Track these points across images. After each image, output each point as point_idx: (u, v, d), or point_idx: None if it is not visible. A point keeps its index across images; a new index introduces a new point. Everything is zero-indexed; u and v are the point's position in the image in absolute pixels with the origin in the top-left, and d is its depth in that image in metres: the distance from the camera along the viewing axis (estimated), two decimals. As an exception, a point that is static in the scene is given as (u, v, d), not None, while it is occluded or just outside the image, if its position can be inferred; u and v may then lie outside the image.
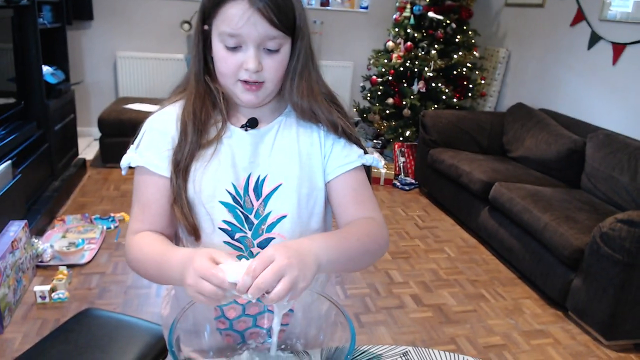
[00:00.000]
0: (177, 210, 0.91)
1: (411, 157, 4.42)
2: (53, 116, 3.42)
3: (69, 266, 2.63)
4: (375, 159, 1.02)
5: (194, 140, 0.91)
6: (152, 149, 0.93)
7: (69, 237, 2.90)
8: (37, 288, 2.36)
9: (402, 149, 4.43)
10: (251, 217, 0.94)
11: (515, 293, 2.84)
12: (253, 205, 0.94)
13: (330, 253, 0.81)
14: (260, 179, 0.94)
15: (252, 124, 0.95)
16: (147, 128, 0.95)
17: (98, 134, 4.10)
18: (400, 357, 0.93)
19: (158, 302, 2.42)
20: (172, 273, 0.80)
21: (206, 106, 0.93)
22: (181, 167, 0.90)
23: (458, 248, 3.32)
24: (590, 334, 2.48)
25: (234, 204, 0.93)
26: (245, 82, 0.88)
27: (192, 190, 0.92)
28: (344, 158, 0.98)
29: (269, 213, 0.94)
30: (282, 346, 0.89)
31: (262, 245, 0.95)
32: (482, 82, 4.59)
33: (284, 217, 0.94)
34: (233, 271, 0.72)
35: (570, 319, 2.60)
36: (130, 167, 0.95)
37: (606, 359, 2.32)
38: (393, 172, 4.37)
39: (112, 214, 3.28)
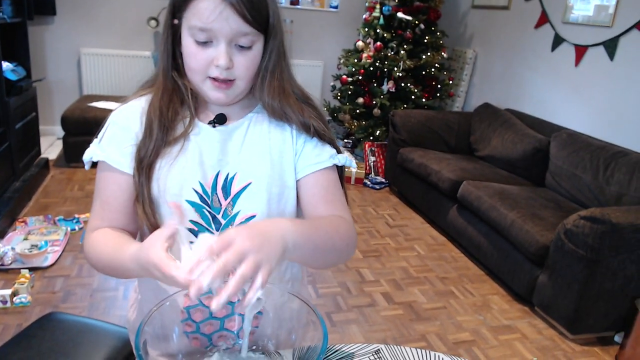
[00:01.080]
0: (139, 209, 0.88)
1: (381, 157, 4.45)
2: (13, 114, 3.30)
3: (32, 269, 2.54)
4: (348, 159, 1.00)
5: (159, 137, 0.88)
6: (114, 144, 0.90)
7: (31, 239, 2.81)
8: (-2, 292, 2.27)
9: (373, 148, 4.45)
10: (219, 216, 0.92)
11: (483, 289, 2.89)
12: (221, 205, 0.92)
13: (296, 237, 0.75)
14: (229, 177, 0.92)
15: (220, 120, 0.93)
16: (111, 122, 0.92)
17: (61, 133, 3.98)
18: (373, 354, 0.92)
19: (125, 305, 2.36)
20: (128, 268, 0.78)
21: (173, 102, 0.91)
22: (144, 164, 0.88)
23: (428, 246, 3.36)
24: (556, 329, 2.54)
25: (201, 203, 0.91)
26: (215, 79, 0.86)
27: (156, 189, 0.89)
28: (315, 157, 0.96)
29: (237, 213, 0.92)
30: (253, 347, 0.87)
31: None
32: (450, 82, 4.66)
33: (253, 216, 0.92)
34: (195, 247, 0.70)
35: (536, 314, 2.67)
36: (93, 163, 0.92)
37: (571, 352, 2.38)
38: (364, 171, 4.39)
39: (76, 215, 3.19)
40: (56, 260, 2.69)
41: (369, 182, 4.34)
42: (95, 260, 0.88)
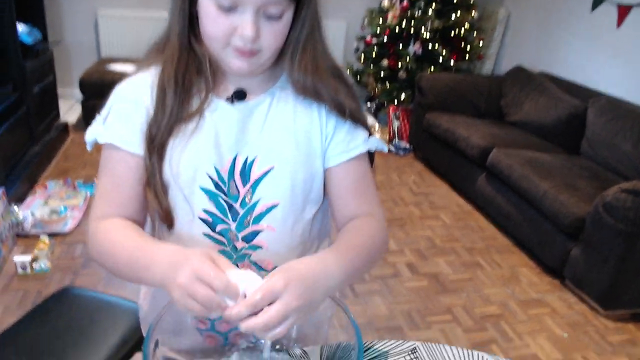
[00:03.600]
0: (150, 193, 0.78)
1: (406, 121, 4.29)
2: (30, 78, 3.23)
3: (51, 235, 2.52)
4: (380, 142, 0.89)
5: (174, 111, 0.77)
6: (122, 121, 0.79)
7: (50, 205, 2.78)
8: (18, 258, 2.25)
9: (397, 113, 4.30)
10: (236, 205, 0.82)
11: (511, 261, 2.79)
12: (239, 192, 0.81)
13: (341, 279, 0.71)
14: (249, 160, 0.81)
15: (239, 95, 0.81)
16: (117, 97, 0.81)
17: (80, 96, 3.92)
18: (409, 354, 0.84)
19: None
20: (153, 272, 0.68)
21: (190, 71, 0.79)
22: (156, 144, 0.77)
23: (453, 215, 3.25)
24: (587, 304, 2.44)
25: (216, 190, 0.80)
26: (238, 49, 0.74)
27: (168, 172, 0.79)
28: (348, 143, 0.85)
29: (257, 201, 0.82)
30: (277, 346, 0.79)
31: (248, 239, 0.83)
32: (481, 43, 4.43)
33: (275, 206, 0.82)
34: (237, 279, 0.62)
35: (567, 288, 2.56)
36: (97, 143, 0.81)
37: (603, 329, 2.29)
38: (387, 137, 4.26)
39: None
40: (76, 226, 2.67)
41: (392, 148, 4.21)
42: (109, 255, 0.77)
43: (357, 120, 0.85)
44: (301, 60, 0.78)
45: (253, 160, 0.81)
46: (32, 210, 2.65)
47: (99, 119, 0.81)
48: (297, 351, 0.82)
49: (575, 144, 3.23)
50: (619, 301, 2.34)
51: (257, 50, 0.74)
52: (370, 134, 0.88)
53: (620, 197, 2.19)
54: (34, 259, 2.28)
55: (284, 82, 0.83)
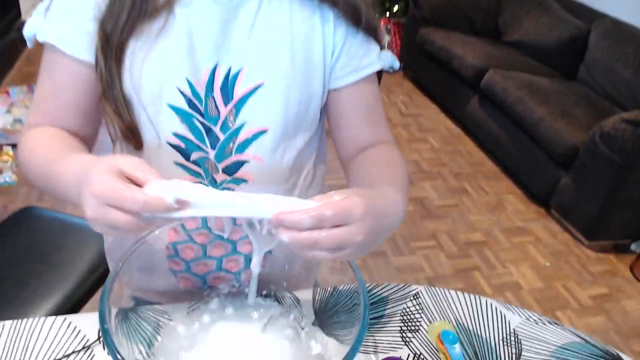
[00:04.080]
0: (109, 106, 0.62)
1: (397, 36, 4.05)
2: (-16, -34, 2.88)
3: (16, 146, 2.35)
4: (393, 58, 0.74)
5: (136, 2, 0.59)
6: (64, 16, 0.62)
7: (14, 113, 2.57)
8: (-21, 170, 2.10)
9: (388, 26, 4.04)
10: (215, 129, 0.66)
11: (498, 188, 2.74)
12: (219, 113, 0.65)
13: (402, 219, 0.60)
14: (232, 72, 0.64)
15: None
16: None
17: (43, -8, 3.56)
18: (411, 299, 0.75)
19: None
20: (67, 192, 0.55)
21: None
22: (113, 44, 0.60)
23: (442, 138, 3.15)
24: (571, 233, 2.43)
25: (190, 109, 0.64)
26: None
27: (128, 83, 0.63)
28: (361, 59, 0.70)
29: (241, 125, 0.66)
30: (264, 292, 0.68)
31: (230, 170, 0.69)
32: (482, -48, 4.10)
33: (264, 132, 0.67)
34: (162, 187, 0.47)
35: (552, 217, 2.54)
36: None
37: (585, 259, 2.29)
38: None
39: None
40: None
41: (381, 65, 4.00)
42: (27, 165, 0.64)
43: (372, 28, 0.70)
44: None
45: (238, 73, 0.64)
46: (-7, 118, 2.46)
47: (40, 9, 0.64)
48: (287, 298, 0.72)
49: (573, 68, 3.08)
50: (603, 232, 2.33)
51: None
52: (382, 47, 0.73)
53: (620, 127, 2.09)
54: (-3, 171, 2.13)
55: None
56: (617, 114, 2.20)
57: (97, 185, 0.46)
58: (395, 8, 4.02)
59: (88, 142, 0.68)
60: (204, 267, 0.72)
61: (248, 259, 0.72)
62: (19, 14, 3.53)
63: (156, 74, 0.62)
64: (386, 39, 4.05)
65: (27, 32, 0.64)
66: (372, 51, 0.71)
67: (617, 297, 2.09)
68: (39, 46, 0.65)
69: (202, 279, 0.73)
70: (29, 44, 0.65)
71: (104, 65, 0.61)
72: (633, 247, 2.38)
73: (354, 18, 0.67)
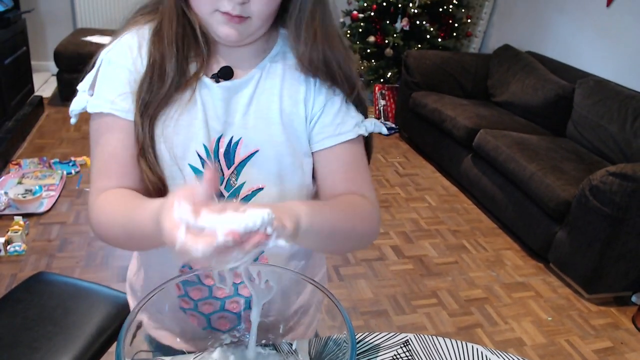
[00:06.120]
0: (143, 163, 0.72)
1: (392, 100, 4.23)
2: (1, 49, 3.08)
3: (26, 216, 2.43)
4: (377, 124, 0.82)
5: (174, 80, 0.71)
6: (112, 87, 0.72)
7: (25, 184, 2.68)
8: (-10, 240, 2.16)
9: (383, 91, 4.23)
10: (221, 188, 0.76)
11: (496, 244, 2.78)
12: (224, 174, 0.76)
13: (312, 219, 0.63)
14: (233, 141, 0.75)
15: (224, 74, 0.75)
16: (104, 61, 0.74)
17: (55, 69, 3.76)
18: (401, 346, 0.80)
19: (125, 255, 2.27)
20: (145, 228, 0.60)
21: (188, 35, 0.73)
22: (150, 112, 0.71)
23: (439, 197, 3.23)
24: (571, 287, 2.45)
25: (204, 169, 0.75)
26: (226, 13, 0.68)
27: (162, 144, 0.73)
28: (336, 127, 0.78)
29: (242, 184, 0.77)
30: (263, 341, 0.74)
31: None
32: (468, 20, 4.36)
33: (260, 189, 0.77)
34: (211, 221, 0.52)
35: (551, 271, 2.57)
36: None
37: (587, 312, 2.30)
38: (373, 116, 4.19)
39: (72, 158, 3.04)
40: (52, 206, 2.57)
41: (378, 127, 4.15)
42: (105, 226, 0.71)
43: (359, 100, 0.79)
44: (308, 29, 0.71)
45: (238, 142, 0.76)
46: (5, 190, 2.55)
47: (83, 87, 0.75)
48: (285, 346, 0.77)
49: (561, 125, 3.21)
50: (602, 284, 2.35)
51: (246, 16, 0.68)
52: (366, 116, 0.82)
53: (607, 181, 2.17)
54: (8, 241, 2.19)
55: (274, 55, 0.78)
56: (605, 168, 2.28)
57: (177, 209, 0.51)
58: (389, 74, 4.22)
59: (149, 190, 0.75)
60: (209, 307, 0.79)
61: (248, 301, 0.78)
62: (32, 90, 3.72)
63: (184, 137, 0.73)
64: (381, 103, 4.23)
65: (74, 108, 0.74)
66: (349, 120, 0.79)
67: (621, 350, 2.09)
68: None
69: (208, 318, 0.80)
70: (74, 120, 0.75)
71: (141, 129, 0.71)
72: (634, 299, 2.39)
73: (349, 87, 0.77)
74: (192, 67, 0.74)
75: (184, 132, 0.73)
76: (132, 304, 0.96)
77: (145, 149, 0.72)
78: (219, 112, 0.75)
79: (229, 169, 0.76)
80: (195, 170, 0.74)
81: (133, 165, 0.73)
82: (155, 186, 0.73)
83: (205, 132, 0.74)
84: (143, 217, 0.61)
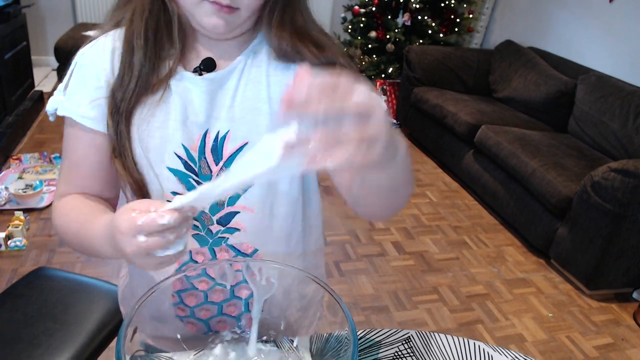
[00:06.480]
0: (119, 165, 0.71)
1: (393, 96, 4.22)
2: (1, 43, 3.07)
3: (26, 210, 2.43)
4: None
5: (142, 73, 0.68)
6: (82, 93, 0.71)
7: (25, 179, 2.67)
8: (-9, 235, 2.16)
9: (384, 87, 4.22)
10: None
11: (497, 240, 2.78)
12: (212, 171, 0.74)
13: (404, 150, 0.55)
14: (220, 136, 0.73)
15: (207, 66, 0.72)
16: (77, 65, 0.72)
17: (56, 64, 3.76)
18: (403, 343, 0.80)
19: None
20: (100, 248, 0.64)
21: (161, 29, 0.70)
22: (123, 111, 0.69)
23: (440, 192, 3.22)
24: (572, 283, 2.45)
25: (186, 170, 0.73)
26: (215, 2, 0.65)
27: (138, 146, 0.71)
28: None
29: None
30: (264, 337, 0.74)
31: (223, 221, 0.76)
32: (470, 16, 4.34)
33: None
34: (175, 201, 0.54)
35: (552, 267, 2.56)
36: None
37: (587, 309, 2.30)
38: (374, 111, 4.18)
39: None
40: (52, 201, 2.57)
41: (379, 123, 4.13)
42: (62, 231, 0.74)
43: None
44: (280, 20, 0.70)
45: (225, 135, 0.73)
46: (5, 185, 2.55)
47: (60, 87, 0.74)
48: (286, 343, 0.77)
49: (563, 121, 3.20)
50: (603, 281, 2.35)
51: (235, 7, 0.66)
52: None
53: (609, 177, 2.16)
54: (9, 236, 2.19)
55: (257, 44, 0.75)
56: (607, 164, 2.27)
57: (123, 224, 0.55)
58: (390, 70, 4.21)
59: (111, 203, 0.77)
60: (206, 312, 0.78)
61: (246, 303, 0.78)
62: (32, 85, 3.72)
63: (158, 140, 0.71)
64: (382, 99, 4.21)
65: (50, 107, 0.73)
66: None
67: (622, 347, 2.09)
68: (47, 116, 0.76)
69: (206, 323, 0.79)
70: (51, 118, 0.75)
71: (113, 130, 0.70)
72: (635, 295, 2.39)
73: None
74: (164, 67, 0.71)
75: (158, 134, 0.71)
76: (122, 312, 0.96)
77: (120, 151, 0.70)
78: (203, 107, 0.72)
79: (217, 165, 0.74)
80: (175, 172, 0.73)
81: (94, 176, 0.74)
82: (133, 187, 0.72)
83: (183, 132, 0.71)
84: (94, 230, 0.65)
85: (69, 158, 0.75)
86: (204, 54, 0.74)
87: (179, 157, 0.72)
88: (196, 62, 0.73)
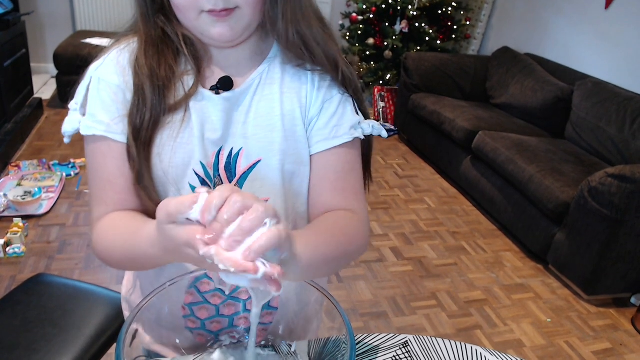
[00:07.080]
0: (142, 192, 0.70)
1: (391, 102, 4.24)
2: (1, 51, 3.08)
3: (25, 217, 2.43)
4: (376, 127, 0.80)
5: (155, 102, 0.68)
6: (106, 109, 0.70)
7: (24, 186, 2.68)
8: (-11, 242, 2.16)
9: (382, 93, 4.24)
10: None
11: (495, 245, 2.78)
12: None
13: (304, 248, 0.60)
14: (234, 153, 0.73)
15: (224, 84, 0.72)
16: (94, 80, 0.71)
17: (55, 71, 3.77)
18: (400, 348, 0.80)
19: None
20: (149, 254, 0.61)
21: (164, 56, 0.70)
22: (143, 138, 0.68)
23: (438, 198, 3.23)
24: (570, 288, 2.45)
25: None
26: (211, 11, 0.65)
27: (158, 167, 0.70)
28: (332, 129, 0.75)
29: None
30: (263, 342, 0.74)
31: None
32: (467, 23, 4.37)
33: (265, 201, 0.76)
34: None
35: (550, 272, 2.57)
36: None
37: (586, 314, 2.30)
38: (372, 118, 4.19)
39: (72, 160, 3.04)
40: (51, 208, 2.57)
41: (377, 129, 4.15)
42: (108, 252, 0.70)
43: (352, 84, 0.77)
44: (284, 7, 0.68)
45: (238, 153, 0.73)
46: (4, 192, 2.55)
47: (74, 106, 0.72)
48: (284, 347, 0.77)
49: (560, 127, 3.22)
50: (601, 286, 2.35)
51: (232, 7, 0.65)
52: (366, 117, 0.80)
53: (606, 182, 2.18)
54: (7, 243, 2.19)
55: (273, 57, 0.75)
56: (604, 170, 2.28)
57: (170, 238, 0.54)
58: (388, 76, 4.23)
59: (150, 214, 0.74)
60: (217, 325, 0.78)
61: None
62: (32, 92, 3.72)
63: (180, 159, 0.70)
64: (380, 105, 4.23)
65: (67, 129, 0.71)
66: (345, 122, 0.76)
67: (620, 352, 2.09)
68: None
69: (216, 335, 0.78)
70: (67, 140, 0.73)
71: (136, 154, 0.68)
72: (633, 300, 2.39)
73: (334, 70, 0.74)
74: (180, 87, 0.70)
75: (182, 151, 0.71)
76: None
77: (141, 175, 0.70)
78: (220, 124, 0.72)
79: (230, 182, 0.73)
80: (194, 189, 0.72)
81: (130, 189, 0.71)
82: (153, 210, 0.72)
83: (201, 148, 0.71)
84: (142, 241, 0.61)
85: (99, 177, 0.72)
86: (219, 69, 0.73)
87: (197, 174, 0.72)
88: (213, 80, 0.72)
